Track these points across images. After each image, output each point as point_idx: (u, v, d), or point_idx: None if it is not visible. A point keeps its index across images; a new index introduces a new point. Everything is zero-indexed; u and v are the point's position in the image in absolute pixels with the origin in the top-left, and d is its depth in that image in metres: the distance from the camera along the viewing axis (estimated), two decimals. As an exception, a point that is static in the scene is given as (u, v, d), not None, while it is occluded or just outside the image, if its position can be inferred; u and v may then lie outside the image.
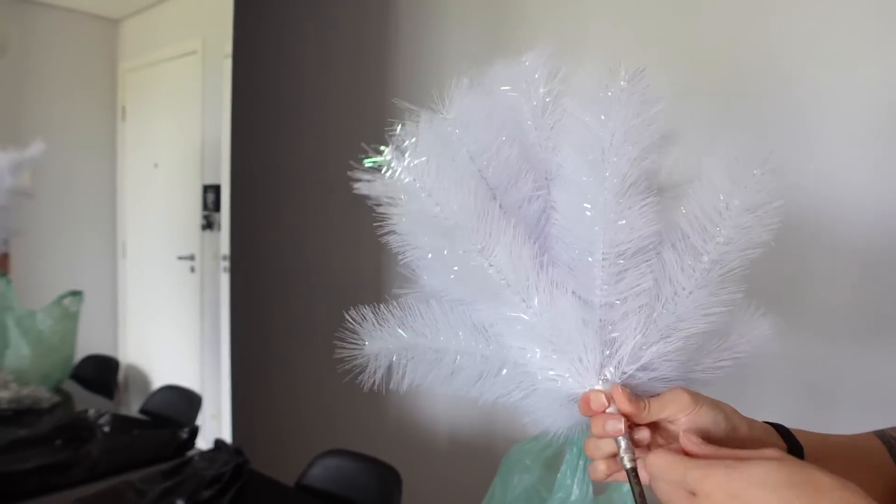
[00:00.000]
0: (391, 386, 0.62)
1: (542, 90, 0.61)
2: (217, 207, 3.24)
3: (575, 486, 0.71)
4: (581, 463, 0.75)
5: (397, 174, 0.53)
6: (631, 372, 0.56)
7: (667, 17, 1.76)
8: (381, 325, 0.61)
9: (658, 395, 0.56)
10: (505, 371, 0.60)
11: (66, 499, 1.35)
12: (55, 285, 2.52)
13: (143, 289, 3.91)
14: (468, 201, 0.53)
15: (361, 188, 0.53)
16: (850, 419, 1.44)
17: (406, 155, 0.53)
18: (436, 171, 0.53)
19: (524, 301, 0.55)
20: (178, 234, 3.57)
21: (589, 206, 0.54)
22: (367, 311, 0.61)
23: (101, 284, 3.86)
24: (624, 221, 0.53)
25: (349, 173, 0.53)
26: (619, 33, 1.84)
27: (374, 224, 0.56)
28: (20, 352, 2.12)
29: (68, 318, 2.28)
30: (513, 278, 0.54)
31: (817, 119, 1.51)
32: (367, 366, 0.62)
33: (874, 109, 1.42)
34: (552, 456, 0.87)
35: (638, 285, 0.55)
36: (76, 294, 2.32)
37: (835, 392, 1.50)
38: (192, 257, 3.48)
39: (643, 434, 0.55)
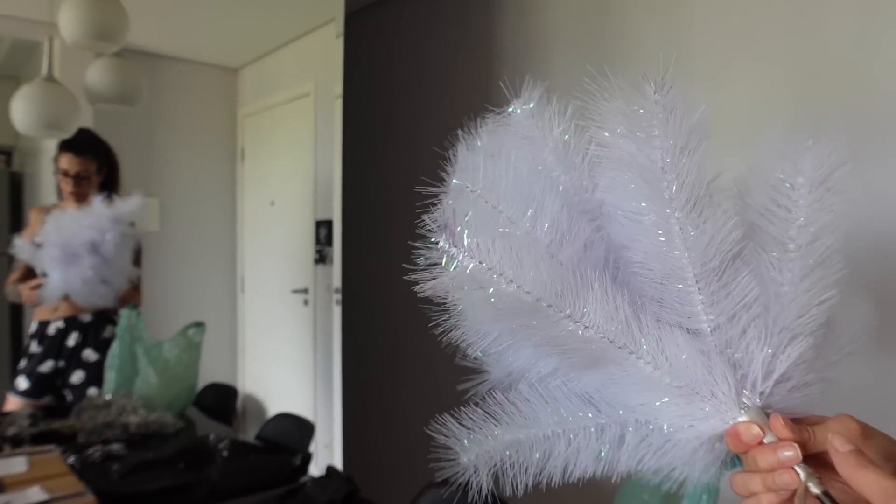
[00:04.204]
0: (507, 493, 0.54)
1: (556, 130, 0.57)
2: (329, 242, 3.34)
3: (697, 521, 0.67)
4: (704, 497, 0.70)
5: (459, 262, 0.47)
6: (769, 389, 0.50)
7: (775, 36, 1.70)
8: (470, 429, 0.54)
9: (821, 423, 0.49)
10: (630, 434, 0.54)
11: (188, 519, 1.41)
12: (180, 317, 2.66)
13: (260, 321, 4.07)
14: (541, 269, 0.48)
15: (426, 290, 0.48)
16: None
17: (464, 238, 0.47)
18: (500, 246, 0.47)
19: (632, 353, 0.49)
20: (293, 268, 3.71)
21: (661, 231, 0.49)
22: (449, 420, 0.54)
23: (222, 317, 4.06)
24: (704, 235, 0.49)
25: (406, 277, 0.49)
26: (726, 42, 1.79)
27: (434, 322, 0.51)
28: (148, 380, 2.25)
29: (192, 348, 2.40)
30: (613, 333, 0.49)
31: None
32: (469, 479, 0.54)
33: None
34: (671, 491, 0.83)
35: (745, 297, 0.50)
36: (199, 325, 2.44)
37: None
38: (305, 290, 3.60)
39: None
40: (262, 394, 3.84)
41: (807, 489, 0.46)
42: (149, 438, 1.94)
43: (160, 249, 3.68)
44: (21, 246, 2.12)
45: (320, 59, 3.35)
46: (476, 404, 0.55)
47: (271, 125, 3.96)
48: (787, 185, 0.49)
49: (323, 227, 3.43)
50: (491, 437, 0.54)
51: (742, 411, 0.49)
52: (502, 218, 0.52)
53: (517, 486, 0.54)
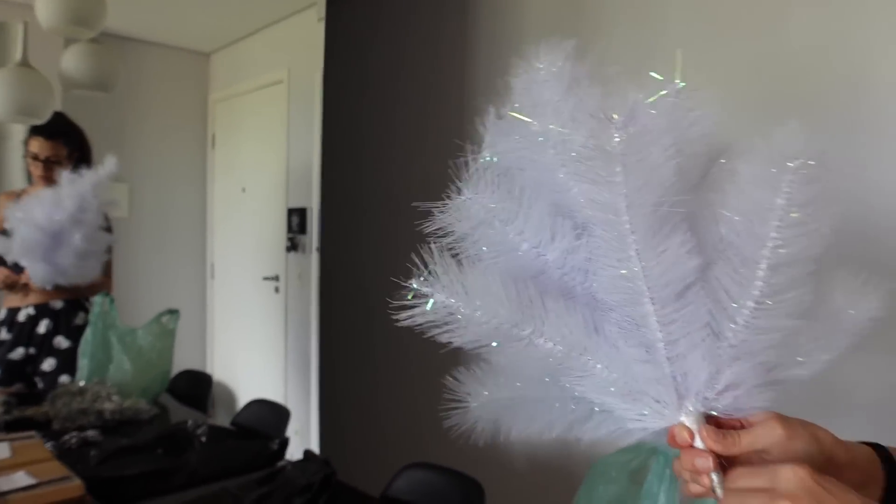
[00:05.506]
0: (497, 439, 0.63)
1: (557, 123, 0.58)
2: (301, 230, 3.35)
3: (662, 495, 0.72)
4: (668, 472, 0.75)
5: (436, 299, 0.54)
6: (712, 397, 0.54)
7: (741, 36, 1.75)
8: (478, 383, 0.63)
9: (749, 427, 0.54)
10: (595, 414, 0.61)
11: (171, 502, 1.43)
12: (149, 304, 2.65)
13: (230, 308, 4.06)
14: (502, 298, 0.54)
15: (408, 320, 0.55)
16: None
17: (439, 283, 0.54)
18: (462, 288, 0.54)
19: (591, 360, 0.56)
20: (264, 255, 3.70)
21: (621, 260, 0.53)
22: (464, 372, 0.64)
23: (191, 304, 4.04)
24: (661, 265, 0.52)
25: (392, 317, 0.55)
26: (698, 41, 1.84)
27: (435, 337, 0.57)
28: (122, 366, 2.25)
29: (166, 335, 2.40)
30: (570, 345, 0.56)
31: (879, 130, 1.49)
32: (472, 422, 0.63)
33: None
34: (637, 469, 0.87)
35: (696, 318, 0.53)
36: (173, 312, 2.44)
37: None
38: (276, 278, 3.61)
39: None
40: (231, 381, 3.84)
41: (713, 490, 0.53)
42: (124, 425, 1.95)
43: (129, 236, 3.65)
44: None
45: (294, 45, 3.34)
46: (485, 363, 0.63)
47: (243, 111, 3.94)
48: (766, 205, 0.49)
49: (295, 214, 3.44)
50: (493, 391, 0.63)
51: (684, 415, 0.55)
52: (496, 223, 0.58)
53: (509, 434, 0.63)
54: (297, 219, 3.42)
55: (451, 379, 0.63)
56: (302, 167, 3.22)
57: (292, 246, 3.47)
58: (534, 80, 0.60)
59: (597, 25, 2.10)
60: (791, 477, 0.47)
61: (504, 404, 0.63)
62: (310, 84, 3.01)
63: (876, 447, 0.58)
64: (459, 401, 0.63)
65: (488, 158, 0.61)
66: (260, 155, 3.78)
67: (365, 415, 3.05)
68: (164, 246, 4.00)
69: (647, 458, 0.85)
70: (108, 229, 2.36)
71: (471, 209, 0.58)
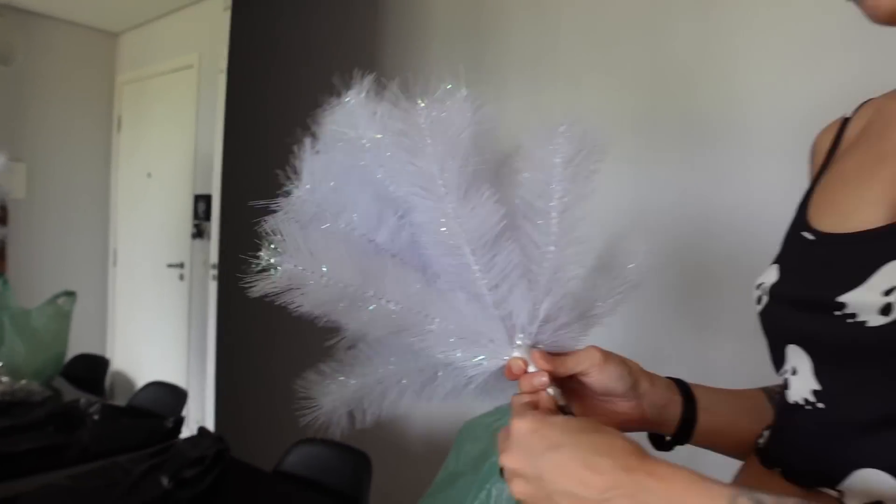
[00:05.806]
0: (357, 426, 0.68)
1: (369, 132, 0.66)
2: (207, 217, 3.33)
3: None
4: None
5: (284, 268, 0.60)
6: (535, 330, 0.64)
7: (628, 45, 1.90)
8: (327, 380, 0.68)
9: (575, 353, 0.64)
10: (440, 373, 0.68)
11: (60, 476, 1.44)
12: (48, 287, 2.60)
13: (132, 295, 3.99)
14: (345, 263, 0.61)
15: (263, 289, 0.60)
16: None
17: (286, 244, 0.60)
18: (308, 252, 0.60)
19: (427, 316, 0.63)
20: (169, 242, 3.66)
21: (442, 219, 0.62)
22: (310, 375, 0.68)
23: (92, 289, 3.95)
24: (474, 220, 0.62)
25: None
26: (587, 47, 1.97)
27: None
28: (14, 348, 2.21)
29: (62, 317, 2.36)
30: (409, 303, 0.63)
31: (742, 142, 1.66)
32: (330, 416, 0.68)
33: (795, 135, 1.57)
34: (500, 428, 0.98)
35: (510, 262, 0.63)
36: (70, 294, 2.41)
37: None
38: (181, 265, 3.57)
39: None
40: (131, 370, 3.78)
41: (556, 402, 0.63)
42: (14, 407, 1.93)
43: (28, 217, 3.54)
44: None
45: (206, 31, 3.31)
46: (328, 360, 0.69)
47: (151, 95, 3.87)
48: (547, 164, 0.61)
49: (202, 201, 3.42)
50: (342, 384, 0.68)
51: (516, 350, 0.64)
52: (326, 216, 0.66)
53: (367, 419, 0.68)
54: (203, 205, 3.40)
55: (301, 381, 0.68)
56: (210, 153, 3.21)
57: (198, 233, 3.45)
58: (344, 108, 0.68)
59: (496, 25, 2.21)
60: (514, 431, 0.57)
61: (354, 391, 0.68)
62: (219, 71, 3.01)
63: (676, 381, 0.70)
64: (313, 399, 0.68)
65: (308, 187, 0.67)
66: (167, 140, 3.72)
67: (262, 399, 3.08)
68: (64, 229, 3.89)
69: (508, 419, 0.96)
70: (2, 219, 2.32)
71: (303, 206, 0.66)
